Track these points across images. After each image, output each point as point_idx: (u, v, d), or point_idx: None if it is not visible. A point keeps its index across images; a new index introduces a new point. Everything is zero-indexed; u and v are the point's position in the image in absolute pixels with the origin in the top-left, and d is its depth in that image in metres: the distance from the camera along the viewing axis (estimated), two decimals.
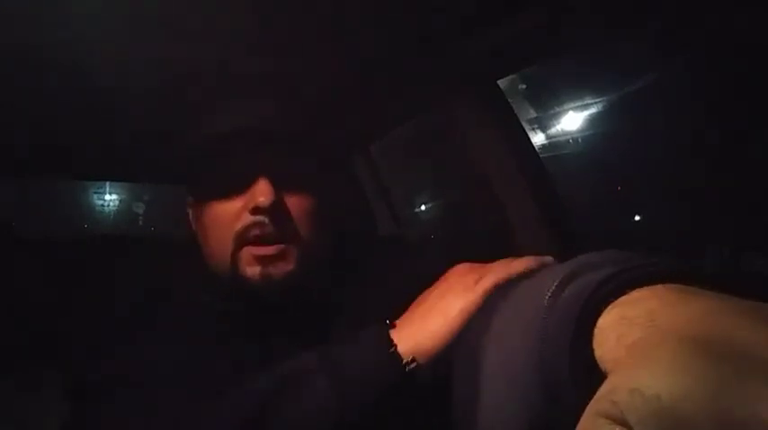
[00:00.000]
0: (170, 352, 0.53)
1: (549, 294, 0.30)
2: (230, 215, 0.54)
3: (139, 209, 9.96)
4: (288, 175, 0.55)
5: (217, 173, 0.55)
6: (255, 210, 0.52)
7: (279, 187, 0.53)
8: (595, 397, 0.19)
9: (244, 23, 0.66)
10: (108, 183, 8.78)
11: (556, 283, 0.30)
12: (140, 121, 1.00)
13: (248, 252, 0.53)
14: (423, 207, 7.99)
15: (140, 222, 9.73)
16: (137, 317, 0.58)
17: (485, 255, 0.48)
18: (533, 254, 0.50)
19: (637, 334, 0.22)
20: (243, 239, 0.53)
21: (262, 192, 0.52)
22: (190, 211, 0.62)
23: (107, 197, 10.41)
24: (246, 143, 0.54)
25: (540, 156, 0.90)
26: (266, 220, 0.52)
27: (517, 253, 0.80)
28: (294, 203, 0.55)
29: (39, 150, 1.18)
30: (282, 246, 0.53)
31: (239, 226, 0.53)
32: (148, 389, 0.49)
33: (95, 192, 10.23)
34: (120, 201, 10.49)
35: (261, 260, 0.53)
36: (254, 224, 0.53)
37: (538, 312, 0.30)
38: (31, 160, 1.27)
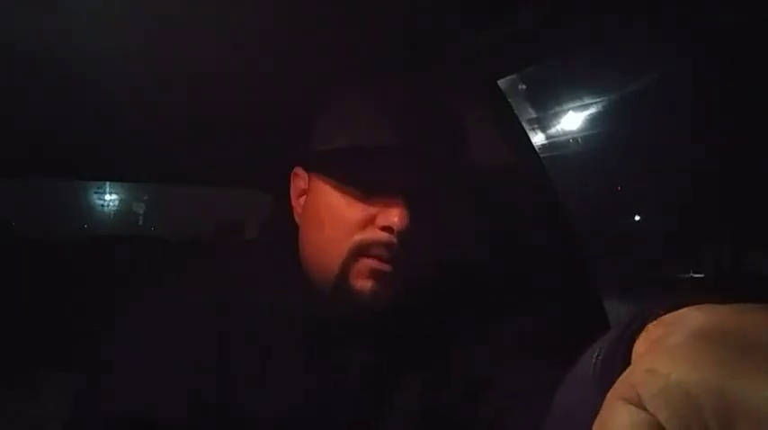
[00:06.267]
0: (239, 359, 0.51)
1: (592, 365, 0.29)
2: (353, 222, 0.51)
3: (139, 209, 9.97)
4: (421, 198, 0.51)
5: (352, 176, 0.52)
6: (387, 229, 0.49)
7: (411, 208, 0.50)
8: (615, 384, 0.20)
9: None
10: (108, 183, 8.78)
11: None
12: (140, 122, 1.00)
13: (365, 264, 0.50)
14: None
15: (140, 222, 9.73)
16: (143, 316, 0.56)
17: (484, 257, 0.48)
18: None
19: (659, 331, 0.23)
20: (360, 252, 0.50)
21: (398, 214, 0.48)
22: (297, 195, 0.57)
23: (107, 197, 10.42)
24: (391, 159, 0.51)
25: (540, 156, 0.90)
26: (394, 241, 0.49)
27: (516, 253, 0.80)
28: (420, 227, 0.51)
29: (39, 150, 1.18)
30: (396, 265, 0.50)
31: (361, 237, 0.50)
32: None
33: (95, 192, 10.24)
34: (120, 201, 10.49)
35: (376, 274, 0.50)
36: (381, 242, 0.50)
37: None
38: (31, 160, 1.27)
